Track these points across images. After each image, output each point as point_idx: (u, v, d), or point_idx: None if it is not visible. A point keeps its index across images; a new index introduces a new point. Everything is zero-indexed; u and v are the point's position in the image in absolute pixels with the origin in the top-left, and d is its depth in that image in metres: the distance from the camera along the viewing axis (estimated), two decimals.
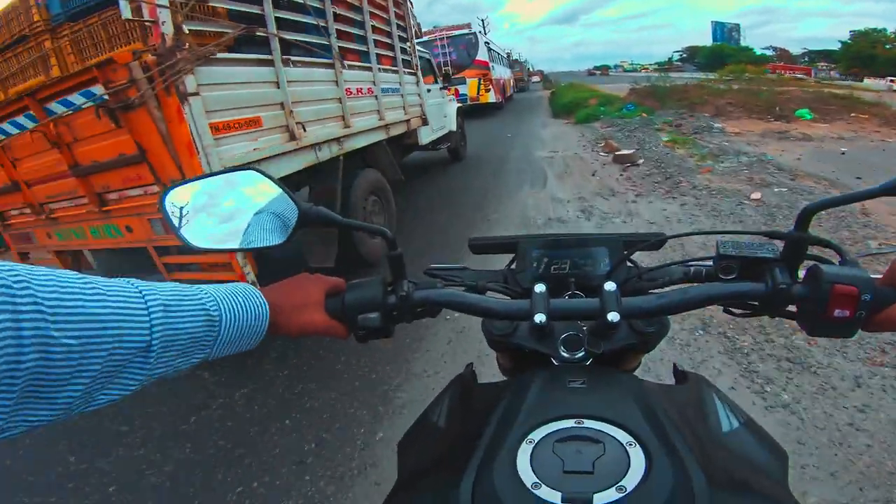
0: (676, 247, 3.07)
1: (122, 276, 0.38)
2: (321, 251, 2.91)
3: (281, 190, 0.52)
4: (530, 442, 0.37)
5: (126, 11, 1.76)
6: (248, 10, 2.37)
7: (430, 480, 0.43)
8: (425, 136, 5.20)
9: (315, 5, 2.94)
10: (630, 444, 0.36)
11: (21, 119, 2.16)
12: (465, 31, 13.15)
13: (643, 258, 0.37)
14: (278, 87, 2.53)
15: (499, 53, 17.08)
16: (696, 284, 0.51)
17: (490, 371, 0.68)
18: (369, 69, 3.68)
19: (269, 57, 2.47)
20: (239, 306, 0.44)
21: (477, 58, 12.99)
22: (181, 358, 0.39)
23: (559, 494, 0.32)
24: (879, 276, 0.45)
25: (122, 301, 0.35)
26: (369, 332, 0.53)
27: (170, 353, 0.37)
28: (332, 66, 3.09)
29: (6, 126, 2.22)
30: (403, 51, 4.51)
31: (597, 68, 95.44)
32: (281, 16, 2.57)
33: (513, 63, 24.51)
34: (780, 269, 0.47)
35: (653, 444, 0.35)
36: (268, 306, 0.46)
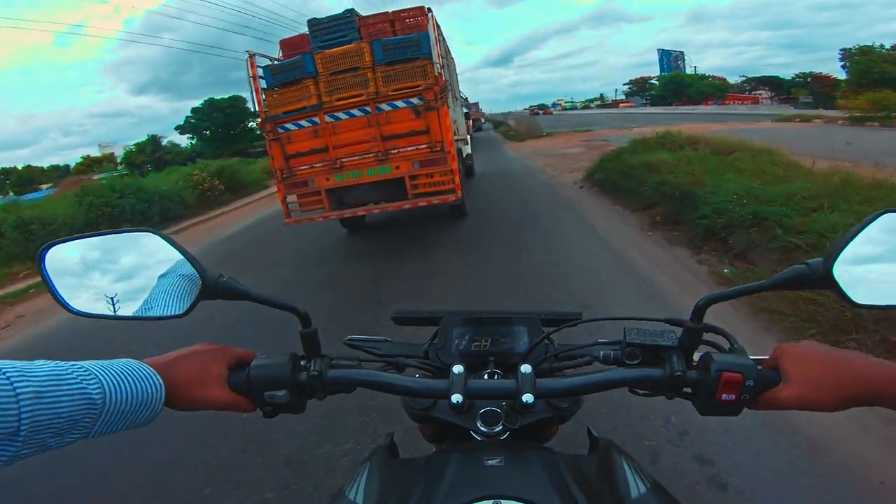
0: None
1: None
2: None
3: (183, 256, 0.50)
4: None
5: (436, 69, 4.37)
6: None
7: None
8: (463, 152, 8.11)
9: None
10: None
11: (354, 111, 4.54)
12: None
13: (559, 335, 0.66)
14: (450, 109, 5.24)
15: (462, 98, 20.41)
16: (604, 369, 0.55)
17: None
18: (457, 106, 6.59)
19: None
20: (128, 387, 0.43)
21: None
22: (54, 438, 0.39)
23: None
24: (765, 358, 0.51)
25: None
26: (277, 408, 0.53)
27: (42, 435, 0.38)
28: (454, 102, 5.93)
29: (340, 115, 4.57)
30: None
31: (539, 107, 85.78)
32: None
33: (469, 106, 26.58)
34: (678, 355, 0.52)
35: None
36: (162, 384, 0.47)
